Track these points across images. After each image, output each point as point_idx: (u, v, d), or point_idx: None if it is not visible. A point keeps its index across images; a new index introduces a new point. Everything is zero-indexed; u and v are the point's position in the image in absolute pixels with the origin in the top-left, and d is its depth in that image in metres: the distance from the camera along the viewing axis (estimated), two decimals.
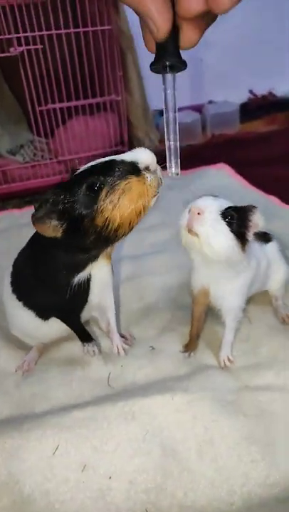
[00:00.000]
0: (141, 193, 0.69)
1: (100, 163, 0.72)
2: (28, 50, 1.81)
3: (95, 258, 0.83)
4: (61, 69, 1.88)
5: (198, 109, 2.66)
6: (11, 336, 1.05)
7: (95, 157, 2.10)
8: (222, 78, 2.81)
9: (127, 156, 0.70)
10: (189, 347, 1.01)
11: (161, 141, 2.45)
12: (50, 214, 0.70)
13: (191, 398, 0.83)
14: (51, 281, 0.84)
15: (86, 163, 2.16)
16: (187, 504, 0.73)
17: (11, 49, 1.79)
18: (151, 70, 0.54)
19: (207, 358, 1.00)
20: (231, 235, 0.79)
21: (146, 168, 0.70)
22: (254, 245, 0.91)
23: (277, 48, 2.81)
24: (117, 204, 0.69)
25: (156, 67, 0.53)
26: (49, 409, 0.87)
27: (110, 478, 0.73)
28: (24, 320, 0.95)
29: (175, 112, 0.56)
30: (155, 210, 1.70)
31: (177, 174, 0.57)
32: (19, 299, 0.93)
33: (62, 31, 1.81)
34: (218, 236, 0.77)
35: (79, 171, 0.76)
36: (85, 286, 0.85)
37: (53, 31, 1.80)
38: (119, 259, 1.37)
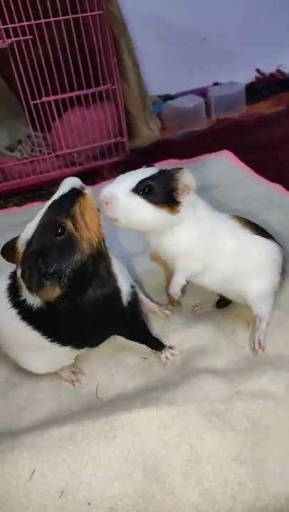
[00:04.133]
0: (92, 204, 0.77)
1: (43, 212, 0.77)
2: (18, 42, 1.74)
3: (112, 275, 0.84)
4: (53, 60, 1.82)
5: (202, 92, 2.55)
6: None
7: (93, 149, 2.05)
8: (227, 57, 2.69)
9: (63, 190, 0.78)
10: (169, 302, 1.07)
11: (164, 128, 2.37)
12: (41, 278, 0.72)
13: (177, 412, 0.79)
14: (111, 315, 0.86)
15: (85, 157, 2.09)
16: None
17: (0, 41, 1.73)
18: None
19: (200, 362, 0.94)
20: (149, 206, 0.81)
21: (82, 188, 0.78)
22: (223, 219, 0.94)
23: (285, 21, 2.66)
24: (86, 223, 0.75)
25: None
26: (32, 425, 0.84)
27: (89, 504, 0.70)
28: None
29: None
30: None
31: None
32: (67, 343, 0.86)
33: (52, 19, 1.73)
34: (131, 214, 0.81)
35: (28, 232, 0.77)
36: (136, 299, 0.89)
37: (42, 20, 1.73)
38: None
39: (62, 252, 0.73)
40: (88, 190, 0.77)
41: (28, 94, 1.85)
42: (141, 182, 0.82)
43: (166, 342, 1.01)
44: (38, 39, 1.75)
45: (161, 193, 0.82)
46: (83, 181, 2.10)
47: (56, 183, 2.19)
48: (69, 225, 0.73)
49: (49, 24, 1.75)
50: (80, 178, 2.19)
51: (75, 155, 2.06)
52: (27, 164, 2.04)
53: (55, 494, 0.70)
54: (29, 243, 0.75)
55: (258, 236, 0.95)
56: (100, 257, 0.78)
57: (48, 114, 1.94)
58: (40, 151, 2.07)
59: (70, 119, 1.99)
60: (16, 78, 1.80)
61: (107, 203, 0.80)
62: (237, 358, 0.94)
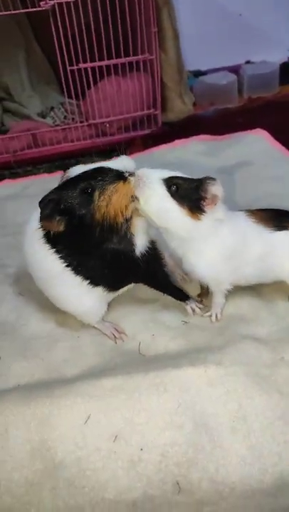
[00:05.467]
0: (126, 192, 0.83)
1: (91, 170, 0.86)
2: (60, 4, 1.72)
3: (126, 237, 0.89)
4: (93, 25, 1.79)
5: (235, 70, 2.51)
6: (42, 300, 1.03)
7: (126, 120, 2.04)
8: (261, 35, 2.63)
9: (116, 164, 0.85)
10: (201, 296, 1.07)
11: (194, 104, 2.34)
12: (54, 212, 0.83)
13: (225, 372, 0.82)
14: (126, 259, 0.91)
15: (117, 127, 2.09)
16: (218, 479, 0.72)
17: (42, 3, 1.71)
18: None
19: (241, 329, 0.97)
20: (170, 199, 0.84)
21: (130, 174, 0.84)
22: (245, 225, 0.93)
23: None
24: (109, 202, 0.82)
25: None
26: (79, 375, 0.88)
27: (142, 449, 0.73)
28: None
29: None
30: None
31: None
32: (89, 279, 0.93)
33: None
34: (152, 198, 0.83)
35: (72, 175, 0.88)
36: (152, 253, 0.93)
37: None
38: None
39: (80, 206, 0.83)
40: (133, 179, 0.83)
41: (66, 60, 1.84)
42: (173, 177, 0.85)
43: (204, 309, 1.03)
44: (80, 3, 1.72)
45: (187, 195, 0.85)
46: (114, 152, 2.10)
47: (86, 152, 2.21)
48: (96, 194, 0.82)
49: None
50: (111, 149, 2.18)
51: (107, 125, 2.05)
52: (59, 131, 2.04)
53: (109, 438, 0.73)
54: (70, 180, 0.86)
55: (277, 232, 0.95)
56: (110, 229, 0.85)
57: (83, 81, 1.92)
58: (73, 118, 2.06)
59: (105, 87, 1.97)
60: (55, 42, 1.78)
61: (138, 181, 0.84)
62: (277, 328, 0.96)
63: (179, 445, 0.73)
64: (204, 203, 0.85)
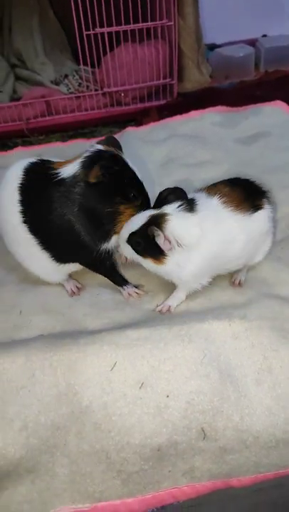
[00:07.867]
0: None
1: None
2: None
3: None
4: None
5: (251, 43, 2.46)
6: None
7: (141, 90, 2.00)
8: (278, 9, 2.58)
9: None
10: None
11: (212, 76, 2.30)
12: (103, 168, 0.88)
13: (250, 325, 0.82)
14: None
15: (132, 97, 2.03)
16: (243, 428, 0.73)
17: None
18: None
19: (264, 289, 0.96)
20: (136, 256, 0.89)
21: None
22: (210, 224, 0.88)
23: None
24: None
25: None
26: (102, 328, 0.88)
27: (168, 396, 0.73)
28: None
29: None
30: (205, 147, 1.63)
31: None
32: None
33: None
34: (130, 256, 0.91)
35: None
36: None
37: None
38: None
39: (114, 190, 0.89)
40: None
41: (82, 25, 1.80)
42: (131, 235, 0.87)
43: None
44: None
45: (147, 248, 0.87)
46: (129, 122, 2.06)
47: (101, 122, 2.17)
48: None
49: None
50: (125, 118, 2.14)
51: (122, 94, 2.02)
52: (73, 99, 2.01)
53: (135, 385, 0.74)
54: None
55: (254, 215, 0.91)
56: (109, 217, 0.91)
57: (99, 48, 1.89)
58: (88, 86, 2.03)
59: (121, 54, 1.94)
60: (72, 5, 1.74)
61: None
62: None
63: (204, 394, 0.74)
64: (161, 245, 0.84)
